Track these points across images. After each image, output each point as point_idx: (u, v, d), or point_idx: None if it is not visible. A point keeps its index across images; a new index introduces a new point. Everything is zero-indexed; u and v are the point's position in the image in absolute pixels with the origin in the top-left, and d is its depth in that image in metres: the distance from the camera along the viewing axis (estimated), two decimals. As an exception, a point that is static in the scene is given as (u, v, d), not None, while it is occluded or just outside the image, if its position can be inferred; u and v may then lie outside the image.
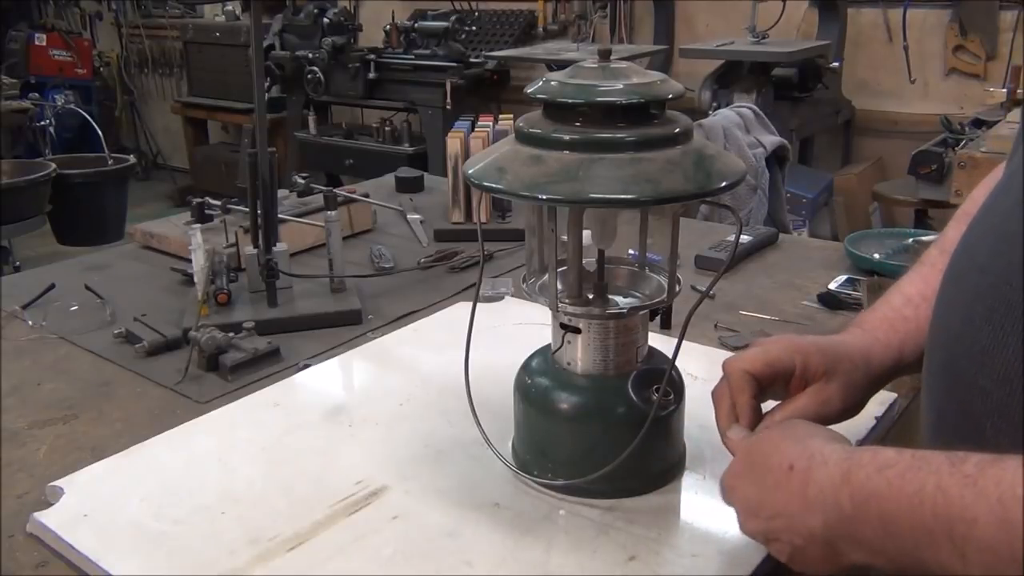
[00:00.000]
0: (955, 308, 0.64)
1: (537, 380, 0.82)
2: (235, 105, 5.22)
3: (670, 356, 0.79)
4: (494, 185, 0.71)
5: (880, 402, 0.93)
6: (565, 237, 0.77)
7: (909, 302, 0.81)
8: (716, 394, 0.78)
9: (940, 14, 3.66)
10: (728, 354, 0.85)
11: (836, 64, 3.58)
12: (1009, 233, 0.59)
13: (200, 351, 1.10)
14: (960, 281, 0.64)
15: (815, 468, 0.60)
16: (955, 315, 0.64)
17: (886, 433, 0.93)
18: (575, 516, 0.78)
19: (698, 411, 0.84)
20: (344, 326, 1.23)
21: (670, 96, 0.73)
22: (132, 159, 4.02)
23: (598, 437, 0.79)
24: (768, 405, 0.78)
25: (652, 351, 0.84)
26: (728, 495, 0.69)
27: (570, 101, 0.72)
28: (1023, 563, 0.46)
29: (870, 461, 0.56)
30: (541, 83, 0.75)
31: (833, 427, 0.72)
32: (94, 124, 4.00)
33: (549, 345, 0.84)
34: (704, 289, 0.81)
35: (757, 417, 0.76)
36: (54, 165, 3.46)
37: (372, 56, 4.34)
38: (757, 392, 0.76)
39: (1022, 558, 0.46)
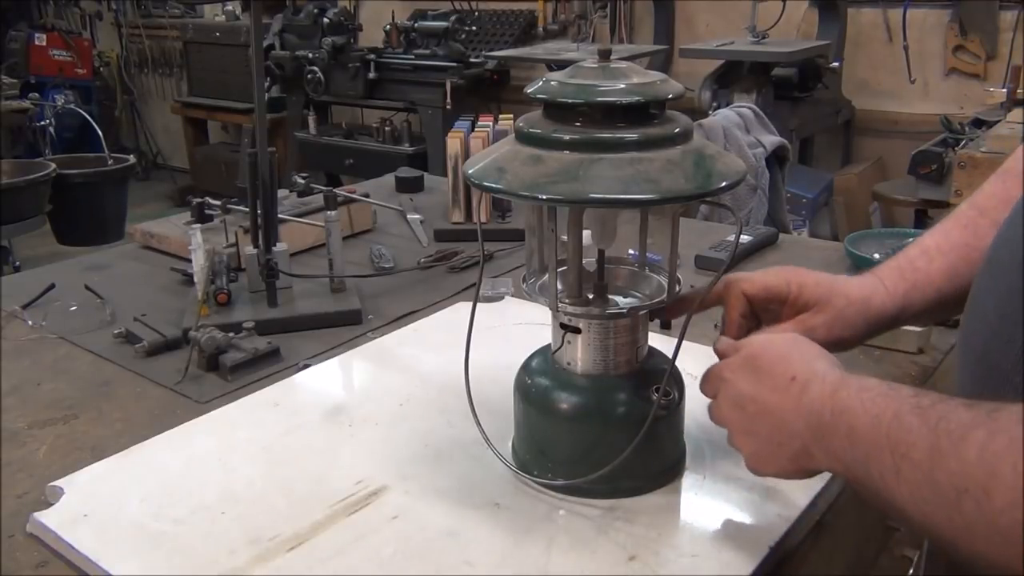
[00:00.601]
0: (993, 300, 0.65)
1: (537, 380, 0.82)
2: (235, 105, 5.22)
3: (670, 356, 0.79)
4: (494, 185, 0.71)
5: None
6: (565, 237, 0.78)
7: (924, 253, 0.82)
8: (706, 304, 0.83)
9: (940, 14, 3.66)
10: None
11: (836, 64, 3.58)
12: None
13: (200, 351, 1.10)
14: (999, 273, 0.65)
15: (813, 382, 0.66)
16: (992, 307, 0.65)
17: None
18: (575, 516, 0.78)
19: (698, 411, 0.83)
20: (344, 326, 1.23)
21: (670, 96, 0.73)
22: (132, 159, 4.02)
23: (598, 437, 0.79)
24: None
25: (652, 351, 0.84)
26: (715, 383, 0.75)
27: (570, 101, 0.72)
28: (940, 487, 0.52)
29: (855, 384, 0.63)
30: (541, 83, 0.75)
31: None
32: (94, 124, 4.00)
33: (549, 345, 0.84)
34: (704, 289, 0.81)
35: (742, 333, 0.80)
36: (54, 165, 3.46)
37: (372, 56, 4.34)
38: (747, 311, 0.81)
39: (942, 482, 0.52)
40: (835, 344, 0.78)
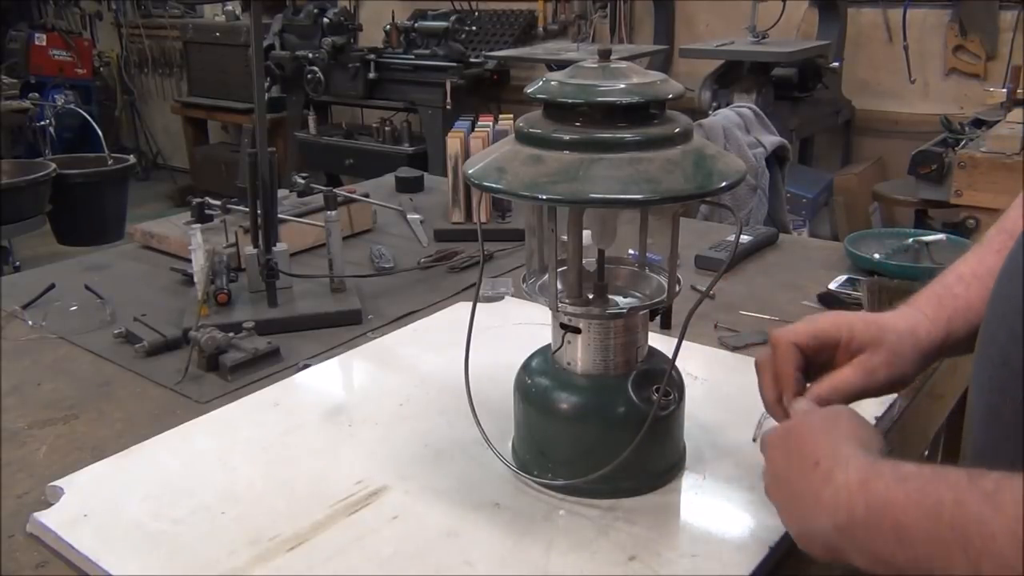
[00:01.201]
0: (1013, 306, 0.64)
1: (537, 380, 0.82)
2: (235, 105, 5.22)
3: (670, 356, 0.79)
4: (494, 185, 0.71)
5: (880, 402, 0.93)
6: (565, 237, 0.77)
7: (960, 280, 0.80)
8: (760, 364, 0.78)
9: (940, 14, 3.66)
10: (728, 354, 0.85)
11: (836, 64, 3.57)
12: None
13: (200, 351, 1.10)
14: (1018, 279, 0.64)
15: (837, 470, 0.60)
16: (1013, 313, 0.64)
17: (886, 433, 0.93)
18: (575, 516, 0.78)
19: (698, 411, 0.84)
20: (344, 326, 1.23)
21: (670, 96, 0.73)
22: (132, 159, 4.02)
23: (598, 437, 0.79)
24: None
25: (652, 351, 0.84)
26: (763, 449, 0.70)
27: (570, 101, 0.72)
28: None
29: (890, 472, 0.57)
30: (541, 83, 0.75)
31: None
32: (94, 124, 4.00)
33: (549, 345, 0.84)
34: (704, 289, 0.81)
35: (801, 388, 0.76)
36: (54, 165, 3.45)
37: (372, 56, 4.34)
38: (802, 364, 0.76)
39: None
40: (896, 382, 0.76)
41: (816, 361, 0.77)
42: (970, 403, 0.70)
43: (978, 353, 0.70)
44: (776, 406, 0.76)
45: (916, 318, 0.79)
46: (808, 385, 0.76)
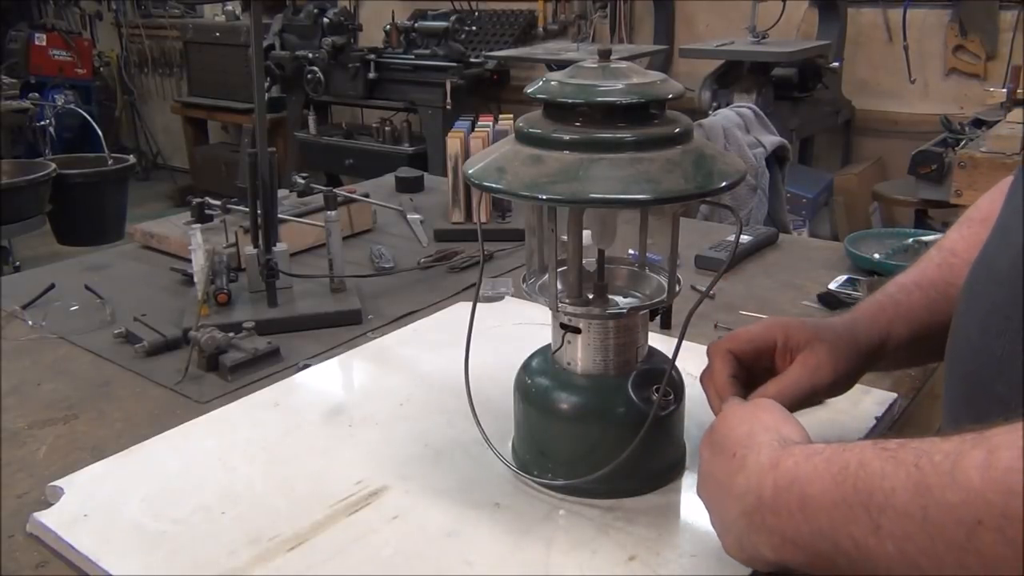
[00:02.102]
0: (973, 319, 0.65)
1: (537, 380, 0.82)
2: (235, 105, 5.22)
3: (670, 356, 0.79)
4: (494, 185, 0.71)
5: (880, 402, 0.93)
6: (565, 237, 0.77)
7: (902, 288, 0.82)
8: (702, 379, 0.80)
9: (940, 14, 3.66)
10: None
11: (836, 64, 3.58)
12: None
13: (200, 351, 1.10)
14: (978, 293, 0.65)
15: (750, 456, 0.60)
16: (973, 326, 0.64)
17: (886, 433, 0.93)
18: (575, 516, 0.78)
19: (698, 411, 0.84)
20: (344, 326, 1.23)
21: (670, 96, 0.73)
22: (132, 159, 4.02)
23: (598, 437, 0.79)
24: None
25: (652, 351, 0.84)
26: (699, 452, 0.70)
27: (570, 101, 0.72)
28: (941, 529, 0.45)
29: (801, 451, 0.57)
30: (541, 83, 0.75)
31: (836, 429, 0.73)
32: (94, 124, 4.00)
33: (549, 345, 0.84)
34: (704, 289, 0.81)
35: (738, 392, 0.77)
36: (54, 165, 3.45)
37: (372, 56, 4.34)
38: (737, 370, 0.78)
39: (941, 522, 0.45)
40: (840, 382, 0.77)
41: (756, 368, 0.78)
42: (942, 420, 0.70)
43: (946, 372, 0.70)
44: None
45: (854, 319, 0.80)
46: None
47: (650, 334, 0.83)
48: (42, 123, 4.30)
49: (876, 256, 1.42)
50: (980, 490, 0.44)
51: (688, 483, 0.83)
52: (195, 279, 1.25)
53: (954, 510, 0.45)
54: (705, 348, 0.82)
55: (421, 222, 1.68)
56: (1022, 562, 0.42)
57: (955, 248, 0.83)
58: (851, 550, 0.51)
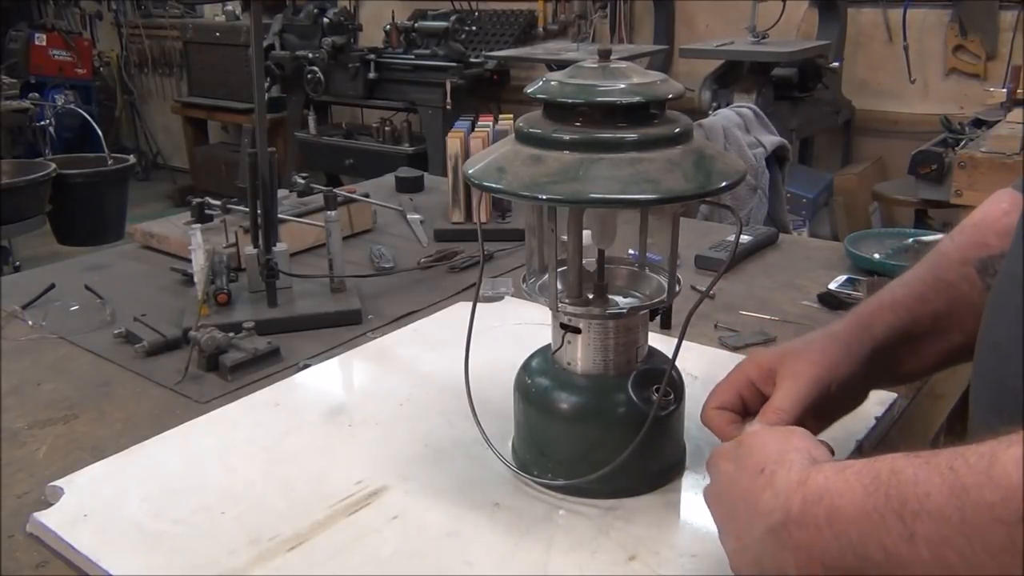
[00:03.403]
0: (1002, 329, 0.65)
1: (537, 380, 0.82)
2: (235, 105, 5.22)
3: (670, 356, 0.79)
4: (494, 185, 0.71)
5: (880, 402, 0.93)
6: (565, 237, 0.77)
7: (889, 288, 0.82)
8: (707, 413, 0.78)
9: (940, 14, 3.66)
10: (728, 354, 0.85)
11: (836, 64, 3.58)
12: None
13: (200, 351, 1.10)
14: (1006, 302, 0.65)
15: (780, 472, 0.58)
16: (1002, 335, 0.64)
17: (886, 433, 0.93)
18: (575, 516, 0.78)
19: (698, 411, 0.83)
20: (344, 326, 1.23)
21: (670, 96, 0.73)
22: (132, 159, 4.02)
23: (598, 437, 0.79)
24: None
25: (652, 351, 0.84)
26: (709, 465, 0.69)
27: (570, 101, 0.72)
28: (980, 530, 0.44)
29: (831, 467, 0.56)
30: (541, 83, 0.75)
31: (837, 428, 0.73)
32: (94, 124, 4.00)
33: (549, 345, 0.84)
34: (704, 289, 0.81)
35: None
36: (54, 165, 3.46)
37: (372, 56, 4.34)
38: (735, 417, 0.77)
39: (979, 523, 0.44)
40: (842, 367, 0.75)
41: (754, 409, 0.77)
42: (970, 430, 0.70)
43: (974, 385, 0.70)
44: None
45: (853, 319, 0.80)
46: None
47: (650, 334, 0.83)
48: (42, 123, 4.30)
49: (876, 256, 1.42)
50: (1020, 486, 0.43)
51: (688, 483, 0.83)
52: (195, 279, 1.25)
53: (993, 509, 0.44)
54: (705, 348, 0.82)
55: (421, 222, 1.68)
56: None
57: (947, 251, 0.83)
58: (882, 561, 0.49)
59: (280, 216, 1.32)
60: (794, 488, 0.56)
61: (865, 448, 0.87)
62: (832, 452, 0.63)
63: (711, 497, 0.66)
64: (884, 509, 0.49)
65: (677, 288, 0.80)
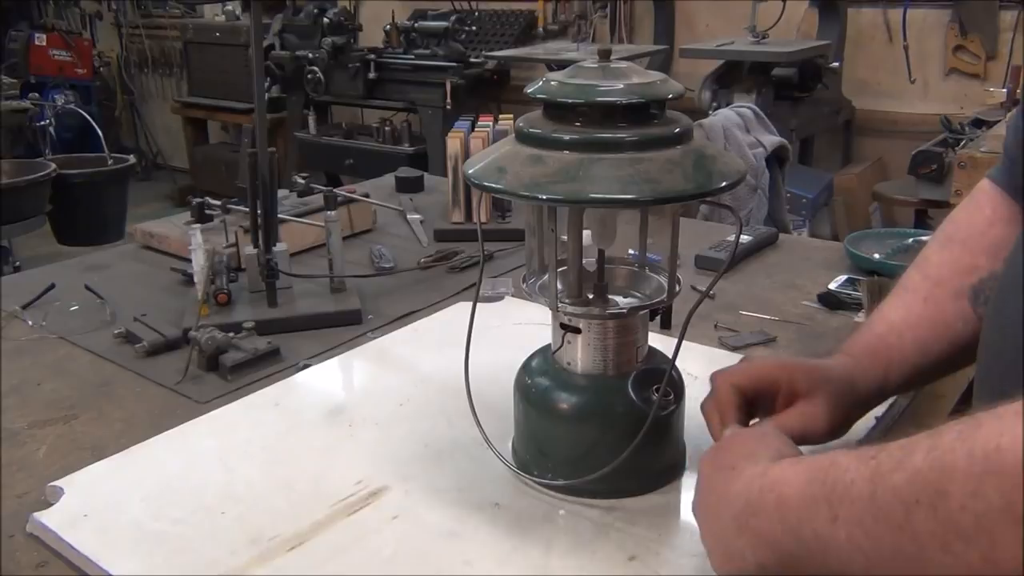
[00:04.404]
0: (1006, 337, 0.65)
1: (537, 380, 0.82)
2: (235, 105, 5.22)
3: (670, 356, 0.79)
4: (494, 185, 0.71)
5: (880, 402, 0.93)
6: (565, 237, 0.77)
7: (892, 330, 0.83)
8: (705, 409, 0.80)
9: (940, 14, 3.66)
10: (728, 354, 0.85)
11: (836, 64, 3.58)
12: None
13: (200, 351, 1.10)
14: (1008, 311, 0.66)
15: (747, 467, 0.62)
16: (1007, 342, 0.65)
17: (886, 433, 0.93)
18: (575, 516, 0.78)
19: (698, 411, 0.83)
20: (344, 326, 1.23)
21: (670, 96, 0.73)
22: (132, 159, 4.02)
23: (598, 437, 0.79)
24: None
25: (652, 351, 0.84)
26: (699, 469, 0.71)
27: (570, 101, 0.72)
28: (884, 510, 0.46)
29: (790, 460, 0.59)
30: (541, 83, 0.75)
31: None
32: (94, 124, 4.00)
33: (549, 345, 0.84)
34: (704, 289, 0.81)
35: (741, 423, 0.77)
36: (54, 165, 3.45)
37: (372, 56, 4.34)
38: (743, 404, 0.78)
39: (886, 504, 0.46)
40: (835, 431, 0.78)
41: (756, 403, 0.79)
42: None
43: (977, 384, 0.70)
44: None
45: (852, 368, 0.81)
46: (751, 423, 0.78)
47: (650, 334, 0.83)
48: (42, 123, 4.30)
49: (876, 256, 1.42)
50: (921, 470, 0.45)
51: (688, 483, 0.83)
52: (195, 279, 1.25)
53: (898, 491, 0.46)
54: (705, 348, 0.82)
55: (421, 222, 1.68)
56: (948, 543, 0.43)
57: (940, 276, 0.83)
58: (812, 543, 0.52)
59: (280, 216, 1.32)
60: (755, 478, 0.60)
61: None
62: (800, 453, 0.65)
63: (696, 500, 0.69)
64: (819, 495, 0.52)
65: (677, 288, 0.80)
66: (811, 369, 0.79)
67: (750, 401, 0.79)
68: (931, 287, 0.83)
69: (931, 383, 0.86)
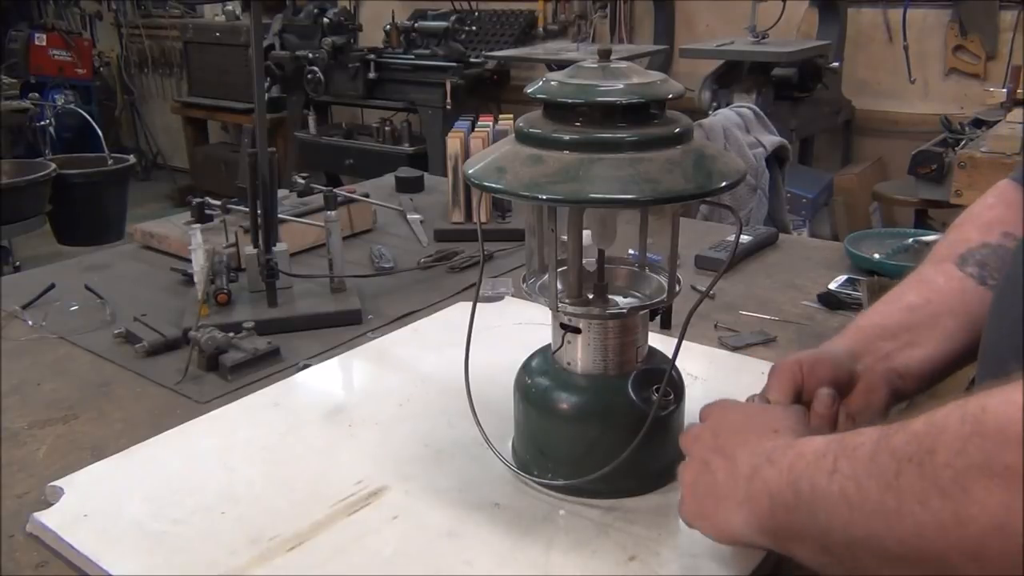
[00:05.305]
0: (1004, 334, 0.66)
1: (537, 380, 0.82)
2: (235, 105, 5.22)
3: (670, 356, 0.79)
4: (494, 185, 0.71)
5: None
6: (565, 237, 0.77)
7: (872, 307, 0.86)
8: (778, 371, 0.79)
9: (940, 14, 3.66)
10: (728, 354, 0.85)
11: (836, 64, 3.57)
12: None
13: (200, 351, 1.10)
14: (1009, 308, 0.66)
15: (787, 435, 0.63)
16: (1005, 341, 0.66)
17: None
18: (575, 516, 0.78)
19: (698, 411, 0.83)
20: (344, 326, 1.23)
21: (670, 96, 0.73)
22: (132, 159, 4.02)
23: (598, 437, 0.79)
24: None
25: (652, 351, 0.84)
26: (711, 410, 0.73)
27: (570, 101, 0.72)
28: (874, 466, 0.48)
29: (811, 451, 0.59)
30: (541, 83, 0.75)
31: None
32: (94, 124, 4.00)
33: (549, 345, 0.84)
34: (704, 289, 0.81)
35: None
36: (54, 165, 3.46)
37: (372, 56, 4.34)
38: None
39: (881, 461, 0.48)
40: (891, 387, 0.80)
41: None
42: None
43: (980, 368, 0.71)
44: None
45: (853, 345, 0.83)
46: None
47: (650, 334, 0.83)
48: (42, 123, 4.30)
49: (876, 256, 1.42)
50: (919, 431, 0.47)
51: (688, 483, 0.83)
52: (195, 279, 1.26)
53: (895, 450, 0.48)
54: (705, 348, 0.82)
55: (421, 222, 1.68)
56: (926, 498, 0.44)
57: (932, 256, 0.86)
58: (807, 494, 0.54)
59: (280, 216, 1.32)
60: (787, 444, 0.61)
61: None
62: None
63: (701, 434, 0.70)
64: (829, 450, 0.54)
65: (677, 288, 0.80)
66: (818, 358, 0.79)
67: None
68: (921, 265, 0.86)
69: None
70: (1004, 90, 3.17)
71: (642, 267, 0.87)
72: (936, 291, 0.82)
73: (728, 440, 0.67)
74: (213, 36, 5.40)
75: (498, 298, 1.28)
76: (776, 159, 2.51)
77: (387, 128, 4.39)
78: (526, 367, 0.84)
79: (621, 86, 0.71)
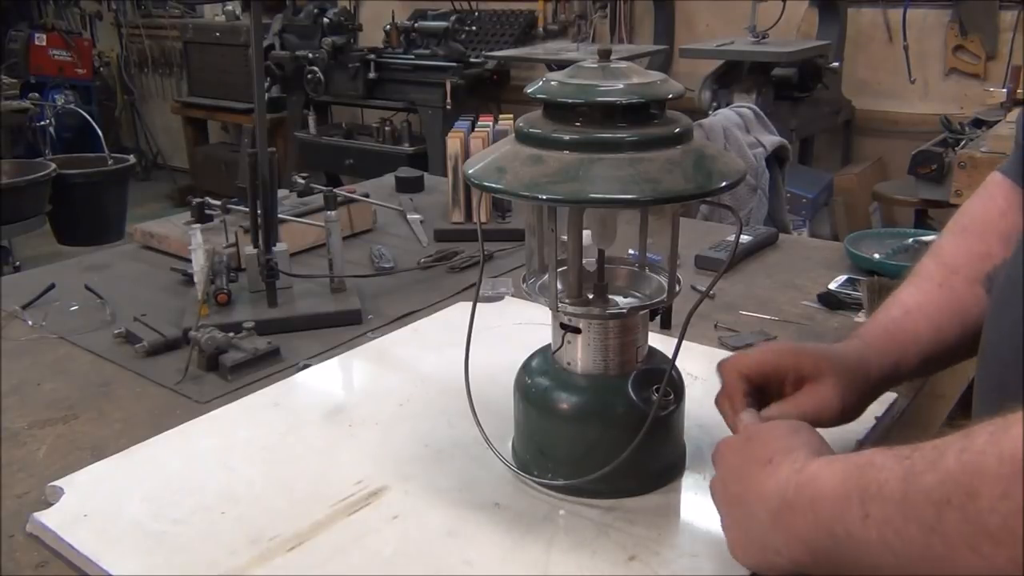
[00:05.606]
0: (1004, 334, 0.66)
1: (537, 380, 0.82)
2: (235, 105, 5.22)
3: (670, 356, 0.79)
4: (494, 185, 0.71)
5: (880, 402, 0.93)
6: (565, 237, 0.77)
7: (908, 314, 0.83)
8: (718, 402, 0.80)
9: (940, 14, 3.66)
10: (728, 354, 0.85)
11: (836, 64, 3.57)
12: None
13: (200, 351, 1.10)
14: (1009, 308, 0.66)
15: (785, 463, 0.62)
16: (1005, 341, 0.65)
17: (886, 433, 0.93)
18: (575, 516, 0.78)
19: (698, 411, 0.84)
20: (344, 326, 1.23)
21: (670, 96, 0.73)
22: (132, 159, 4.02)
23: (598, 437, 0.79)
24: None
25: (652, 351, 0.84)
26: (716, 457, 0.72)
27: (570, 101, 0.72)
28: (916, 510, 0.47)
29: (827, 457, 0.60)
30: (541, 83, 0.75)
31: (837, 428, 0.75)
32: (94, 124, 4.00)
33: (549, 345, 0.84)
34: (704, 289, 0.81)
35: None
36: (54, 165, 3.46)
37: (372, 56, 4.34)
38: (750, 391, 0.78)
39: (917, 504, 0.47)
40: (847, 414, 0.78)
41: (765, 390, 0.79)
42: (976, 414, 0.71)
43: (977, 384, 0.70)
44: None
45: (863, 350, 0.81)
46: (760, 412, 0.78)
47: (650, 334, 0.83)
48: (42, 123, 4.30)
49: (876, 256, 1.42)
50: (953, 471, 0.46)
51: (688, 483, 0.83)
52: (195, 279, 1.25)
53: (930, 492, 0.47)
54: (705, 348, 0.82)
55: (421, 222, 1.68)
56: (977, 544, 0.44)
57: (955, 264, 0.83)
58: (843, 540, 0.53)
59: (280, 216, 1.32)
60: (793, 475, 0.60)
61: (865, 448, 0.87)
62: (831, 450, 0.65)
63: (718, 487, 0.69)
64: (852, 493, 0.53)
65: (677, 288, 0.80)
66: (820, 352, 0.79)
67: (758, 388, 0.79)
68: (947, 274, 0.83)
69: (945, 368, 0.85)
70: (1004, 90, 3.17)
71: (642, 267, 0.87)
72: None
73: (736, 488, 0.67)
74: (213, 36, 5.40)
75: (498, 298, 1.28)
76: (776, 159, 2.51)
77: (387, 128, 4.39)
78: (526, 367, 0.84)
79: (621, 86, 0.72)
